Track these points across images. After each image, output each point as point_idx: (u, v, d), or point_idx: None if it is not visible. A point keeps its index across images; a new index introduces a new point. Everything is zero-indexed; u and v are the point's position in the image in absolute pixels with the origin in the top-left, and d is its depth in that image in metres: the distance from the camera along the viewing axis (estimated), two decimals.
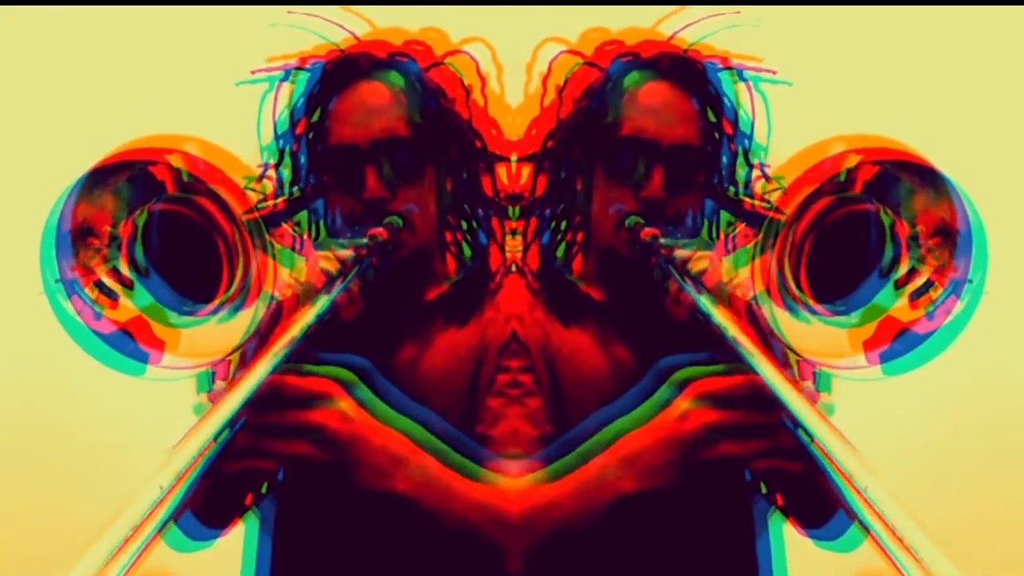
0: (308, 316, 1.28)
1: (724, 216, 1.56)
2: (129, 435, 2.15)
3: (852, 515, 1.13)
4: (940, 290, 1.27)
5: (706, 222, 1.56)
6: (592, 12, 1.71)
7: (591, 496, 1.35)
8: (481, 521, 1.35)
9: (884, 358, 1.28)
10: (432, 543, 1.37)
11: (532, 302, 1.55)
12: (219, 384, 1.31)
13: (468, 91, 1.56)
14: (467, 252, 1.59)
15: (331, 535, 1.45)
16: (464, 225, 1.58)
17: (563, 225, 1.59)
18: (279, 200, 1.49)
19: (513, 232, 1.60)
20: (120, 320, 1.26)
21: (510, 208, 1.59)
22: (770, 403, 1.25)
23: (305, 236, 1.49)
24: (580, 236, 1.58)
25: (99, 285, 1.25)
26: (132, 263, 1.29)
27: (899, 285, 1.32)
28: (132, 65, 2.23)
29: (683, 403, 1.32)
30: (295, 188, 1.53)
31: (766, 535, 1.52)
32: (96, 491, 2.14)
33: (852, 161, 1.31)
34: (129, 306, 1.27)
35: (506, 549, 1.35)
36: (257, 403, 1.23)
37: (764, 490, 1.48)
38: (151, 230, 1.31)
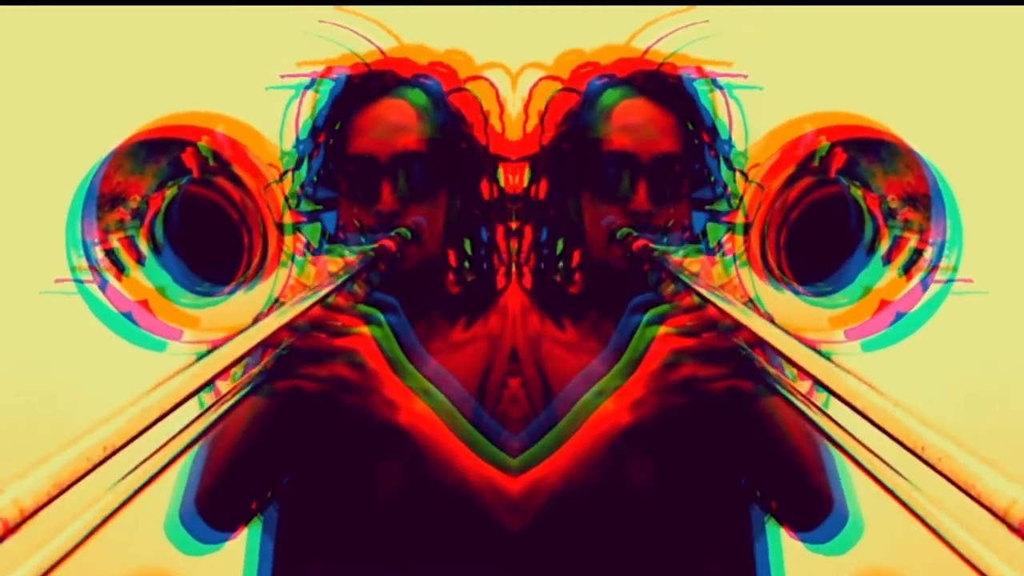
0: (301, 300, 1.30)
1: (715, 225, 1.58)
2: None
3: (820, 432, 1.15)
4: (929, 254, 1.29)
5: (697, 231, 1.57)
6: (566, 23, 1.74)
7: (588, 449, 1.37)
8: (482, 496, 1.36)
9: (862, 336, 1.30)
10: (429, 518, 1.39)
11: (527, 304, 1.57)
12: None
13: (486, 117, 1.60)
14: (472, 265, 1.61)
15: (331, 538, 1.46)
16: (468, 245, 1.60)
17: (558, 244, 1.61)
18: (293, 209, 1.52)
19: (513, 232, 1.63)
20: (131, 296, 1.28)
21: (510, 208, 1.62)
22: (729, 333, 1.33)
23: (313, 243, 1.52)
24: (576, 253, 1.60)
25: (109, 253, 1.28)
26: (150, 237, 1.33)
27: (887, 259, 1.33)
28: (161, 65, 2.26)
29: (656, 334, 1.37)
30: (308, 194, 1.55)
31: (764, 538, 1.53)
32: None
33: (823, 148, 1.33)
34: (139, 281, 1.29)
35: (508, 531, 1.36)
36: (298, 333, 1.31)
37: (758, 495, 1.51)
38: (175, 208, 1.35)
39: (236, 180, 1.36)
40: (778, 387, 1.26)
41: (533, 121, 1.62)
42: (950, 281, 1.26)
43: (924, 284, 1.29)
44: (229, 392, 1.19)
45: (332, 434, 1.41)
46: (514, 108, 1.65)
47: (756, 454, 1.43)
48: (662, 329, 1.36)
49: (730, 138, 1.58)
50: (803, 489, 1.42)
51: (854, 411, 0.97)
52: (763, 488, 1.49)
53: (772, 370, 1.28)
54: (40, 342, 2.15)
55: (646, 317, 1.39)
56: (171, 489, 1.42)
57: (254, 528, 1.50)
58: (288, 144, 1.55)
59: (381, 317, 1.39)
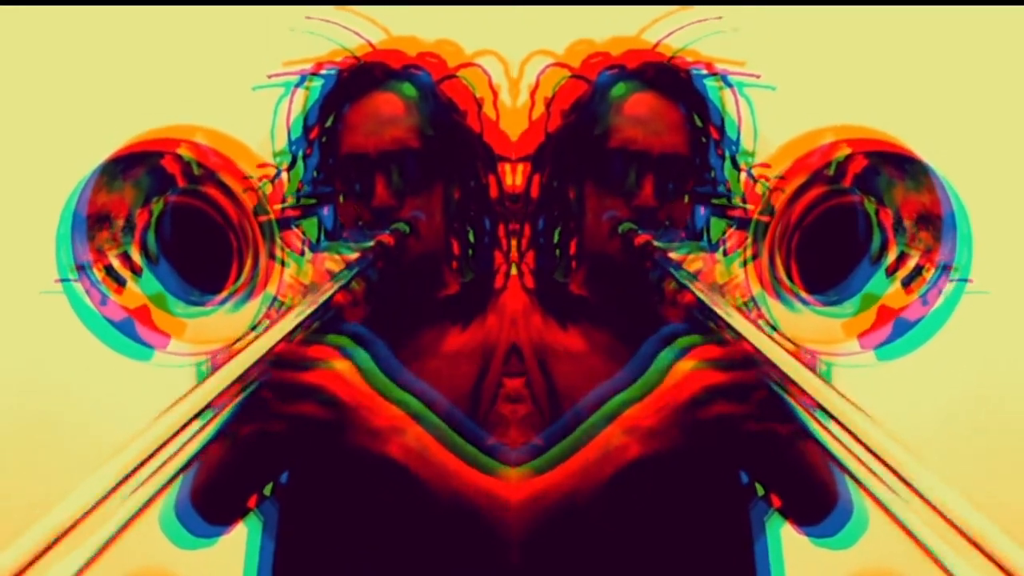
0: (307, 306, 1.30)
1: (716, 222, 1.58)
2: (128, 434, 2.15)
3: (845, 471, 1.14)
4: (931, 272, 1.30)
5: (699, 227, 1.58)
6: (577, 19, 1.74)
7: (595, 470, 1.35)
8: (479, 505, 1.36)
9: (877, 344, 1.31)
10: (429, 524, 1.38)
11: (528, 306, 1.56)
12: None
13: (479, 104, 1.58)
14: (472, 259, 1.61)
15: (333, 538, 1.46)
16: (471, 234, 1.60)
17: (556, 233, 1.60)
18: (289, 206, 1.52)
19: (513, 231, 1.62)
20: (126, 306, 1.28)
21: (510, 208, 1.61)
22: (763, 370, 1.27)
23: (312, 240, 1.52)
24: (573, 243, 1.60)
25: (108, 269, 1.28)
26: (143, 250, 1.33)
27: (890, 272, 1.35)
28: (148, 65, 2.24)
29: (684, 366, 1.33)
30: (305, 193, 1.54)
31: (764, 539, 1.53)
32: None
33: (842, 153, 1.34)
34: (136, 292, 1.29)
35: (506, 538, 1.36)
36: (262, 368, 1.26)
37: (761, 492, 1.52)
38: (165, 219, 1.35)
39: (223, 187, 1.35)
40: (808, 426, 1.21)
41: (540, 109, 1.61)
42: (962, 281, 1.27)
43: (924, 300, 1.31)
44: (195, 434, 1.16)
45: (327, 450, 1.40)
46: (520, 96, 1.64)
47: (759, 448, 1.41)
48: (691, 363, 1.32)
49: (738, 137, 1.57)
50: (808, 483, 1.42)
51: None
52: (766, 482, 1.49)
53: (800, 407, 1.23)
54: (36, 342, 2.15)
55: (677, 343, 1.35)
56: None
57: (254, 529, 1.51)
58: (280, 143, 1.55)
59: (354, 350, 1.36)
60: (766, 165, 1.54)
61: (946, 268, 1.29)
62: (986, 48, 2.22)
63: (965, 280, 1.30)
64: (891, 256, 1.34)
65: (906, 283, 1.33)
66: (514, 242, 1.60)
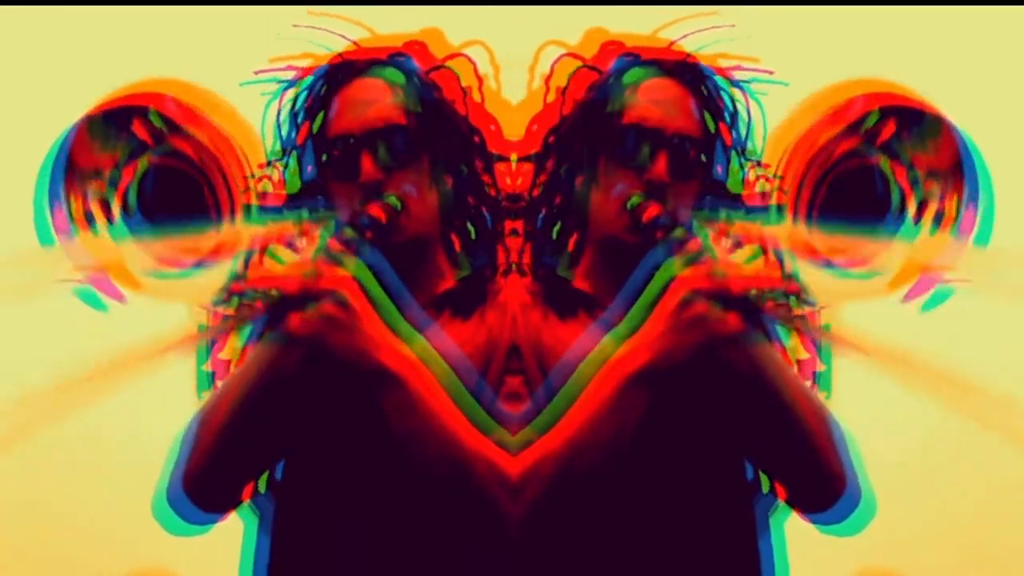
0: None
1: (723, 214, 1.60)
2: (131, 434, 2.10)
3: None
4: (955, 209, 1.33)
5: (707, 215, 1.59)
6: (592, 13, 1.77)
7: (599, 399, 1.36)
8: (479, 479, 1.35)
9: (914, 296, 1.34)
10: (426, 517, 1.38)
11: (529, 301, 1.54)
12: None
13: (466, 92, 1.59)
14: (469, 250, 1.60)
15: (328, 534, 1.44)
16: (468, 223, 1.59)
17: (557, 228, 1.60)
18: (285, 201, 1.53)
19: (513, 232, 1.61)
20: (93, 254, 1.29)
21: (509, 208, 1.61)
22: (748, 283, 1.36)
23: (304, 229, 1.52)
24: (576, 232, 1.59)
25: (87, 215, 1.30)
26: (123, 202, 1.35)
27: (916, 220, 1.37)
28: (143, 66, 2.25)
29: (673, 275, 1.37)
30: (298, 191, 1.56)
31: (768, 535, 1.53)
32: (97, 489, 2.12)
33: (873, 117, 1.38)
34: (105, 242, 1.29)
35: (506, 516, 1.36)
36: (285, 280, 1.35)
37: (766, 488, 1.53)
38: (147, 182, 1.37)
39: (195, 143, 1.38)
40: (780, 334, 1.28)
41: (552, 96, 1.61)
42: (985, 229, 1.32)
43: (956, 234, 1.32)
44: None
45: (323, 401, 1.40)
46: (533, 84, 1.66)
47: (765, 434, 1.42)
48: (684, 270, 1.36)
49: (748, 136, 1.58)
50: (815, 469, 1.41)
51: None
52: (773, 470, 1.49)
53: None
54: (36, 341, 2.13)
55: (665, 262, 1.38)
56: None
57: (250, 525, 1.51)
58: (270, 143, 1.56)
59: (357, 259, 1.38)
60: (766, 165, 1.56)
61: (972, 199, 1.31)
62: (991, 49, 2.27)
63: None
64: (912, 207, 1.38)
65: (936, 225, 1.35)
66: (514, 240, 1.60)
